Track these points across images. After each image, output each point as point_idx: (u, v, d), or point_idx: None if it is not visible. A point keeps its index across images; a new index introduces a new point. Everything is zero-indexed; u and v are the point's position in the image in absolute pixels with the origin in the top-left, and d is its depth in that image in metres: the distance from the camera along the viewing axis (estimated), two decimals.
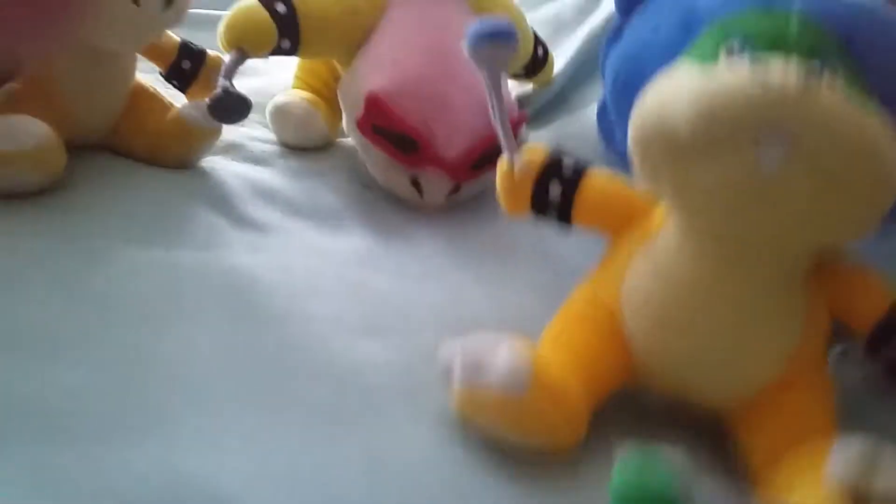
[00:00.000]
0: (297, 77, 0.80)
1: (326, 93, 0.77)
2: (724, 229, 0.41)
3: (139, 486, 0.36)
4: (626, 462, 0.29)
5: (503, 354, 0.42)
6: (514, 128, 0.70)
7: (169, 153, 0.65)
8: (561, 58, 0.92)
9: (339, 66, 0.73)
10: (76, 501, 0.35)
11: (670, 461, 0.28)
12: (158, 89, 0.68)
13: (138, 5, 0.57)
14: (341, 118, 0.73)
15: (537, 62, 0.86)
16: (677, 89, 0.39)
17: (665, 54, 0.45)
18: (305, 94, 0.77)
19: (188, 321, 0.48)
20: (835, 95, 0.37)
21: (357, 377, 0.47)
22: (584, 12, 1.00)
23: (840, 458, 0.37)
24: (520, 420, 0.41)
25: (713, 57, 0.41)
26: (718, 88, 0.37)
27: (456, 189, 0.68)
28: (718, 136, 0.37)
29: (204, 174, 0.66)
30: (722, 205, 0.39)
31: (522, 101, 0.90)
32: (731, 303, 0.42)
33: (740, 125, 0.36)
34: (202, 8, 0.81)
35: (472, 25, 0.45)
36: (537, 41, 0.85)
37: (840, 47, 0.41)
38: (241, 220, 0.62)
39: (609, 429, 0.44)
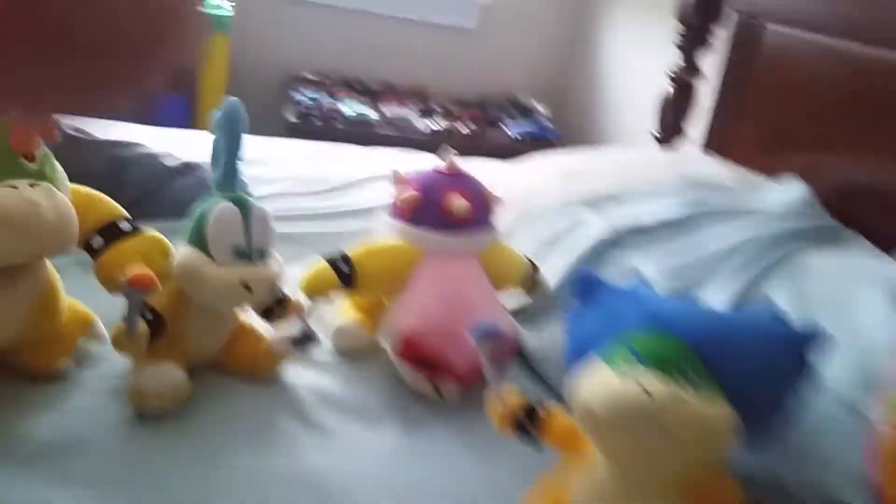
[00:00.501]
0: (349, 299, 1.07)
1: (373, 312, 1.04)
2: (626, 466, 0.66)
3: None
4: None
5: None
6: (509, 352, 0.95)
7: (260, 371, 0.91)
8: (553, 271, 1.18)
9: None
10: None
11: None
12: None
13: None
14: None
15: (531, 282, 1.13)
16: (597, 384, 0.65)
17: (594, 344, 0.71)
18: (358, 317, 1.03)
19: None
20: (691, 407, 0.62)
21: None
22: (573, 230, 1.27)
23: None
24: None
25: (619, 363, 0.66)
26: (621, 393, 0.63)
27: (467, 389, 0.93)
28: (618, 423, 0.63)
29: (283, 387, 0.92)
30: (623, 453, 0.65)
31: (524, 309, 1.16)
32: (628, 500, 0.67)
33: (632, 420, 0.62)
34: None
35: (474, 327, 0.72)
36: (532, 265, 1.12)
37: (696, 357, 0.66)
38: (310, 425, 0.87)
39: None
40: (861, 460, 0.74)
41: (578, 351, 0.74)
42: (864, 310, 0.90)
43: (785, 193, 1.37)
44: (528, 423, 0.74)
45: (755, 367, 0.67)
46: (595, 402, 0.64)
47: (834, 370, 0.79)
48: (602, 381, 0.65)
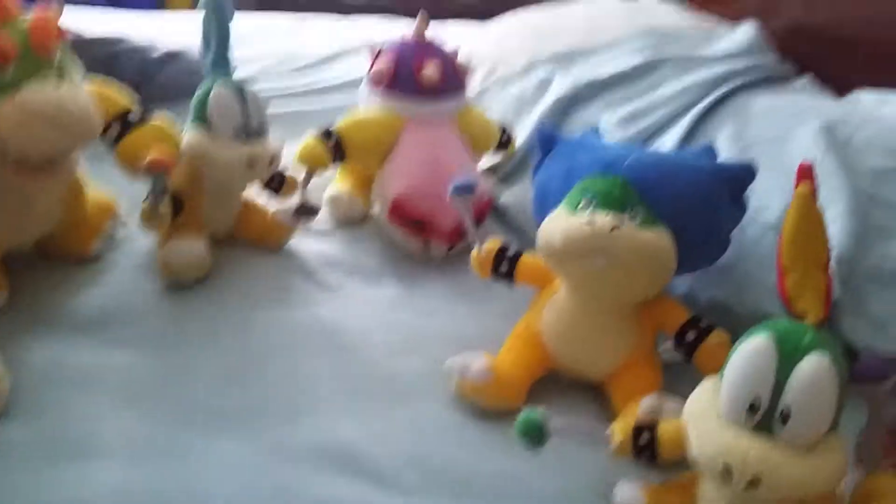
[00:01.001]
0: (340, 170, 1.17)
1: (363, 181, 1.15)
2: (585, 292, 0.80)
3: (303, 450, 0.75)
4: (521, 414, 0.67)
5: (477, 363, 0.80)
6: (485, 209, 1.08)
7: (270, 242, 1.03)
8: (523, 130, 1.28)
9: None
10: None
11: (539, 410, 0.66)
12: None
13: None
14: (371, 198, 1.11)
15: (503, 144, 1.23)
16: (557, 225, 0.77)
17: (556, 192, 0.82)
18: (348, 187, 1.14)
19: (303, 354, 0.87)
20: (631, 232, 0.74)
21: (402, 378, 0.85)
22: (541, 88, 1.36)
23: (645, 402, 0.75)
24: (489, 397, 0.80)
25: (576, 205, 0.78)
26: (572, 229, 0.75)
27: (451, 247, 1.06)
28: (573, 252, 0.75)
29: (291, 254, 1.04)
30: (581, 282, 0.78)
31: (494, 168, 1.27)
32: (593, 327, 0.82)
33: (580, 250, 0.75)
34: None
35: (452, 180, 0.83)
36: (503, 130, 1.22)
37: (639, 193, 0.78)
38: (318, 283, 1.00)
39: (542, 394, 0.82)
40: None
41: (543, 200, 0.86)
42: (797, 143, 1.01)
43: (738, 36, 1.45)
44: (503, 265, 0.87)
45: (691, 199, 0.79)
46: (554, 238, 0.77)
47: (765, 199, 0.91)
48: (560, 221, 0.77)
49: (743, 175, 0.84)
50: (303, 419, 0.78)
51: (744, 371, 0.58)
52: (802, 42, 1.43)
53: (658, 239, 0.76)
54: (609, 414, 0.82)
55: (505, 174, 1.26)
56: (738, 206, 0.85)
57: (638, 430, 0.69)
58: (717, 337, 0.79)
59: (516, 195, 1.20)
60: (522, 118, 1.32)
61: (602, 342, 0.82)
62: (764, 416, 0.58)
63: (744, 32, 1.45)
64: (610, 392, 0.83)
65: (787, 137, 1.04)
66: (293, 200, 1.03)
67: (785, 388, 0.57)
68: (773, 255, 0.90)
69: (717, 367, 0.78)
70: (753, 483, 0.56)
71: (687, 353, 0.81)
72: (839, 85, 1.30)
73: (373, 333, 0.92)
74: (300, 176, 1.04)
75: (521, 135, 1.28)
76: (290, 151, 1.05)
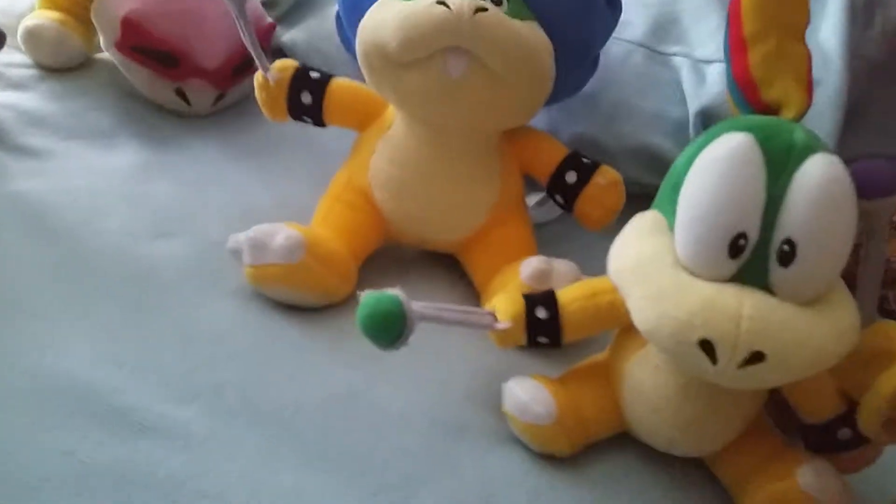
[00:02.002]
0: None
1: (76, 9, 0.79)
2: (432, 120, 0.55)
3: None
4: (365, 299, 0.43)
5: (280, 235, 0.53)
6: (265, 37, 0.78)
7: None
8: None
9: None
10: None
11: (394, 293, 0.42)
12: None
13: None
14: (95, 33, 0.76)
15: None
16: (387, 14, 0.50)
17: None
18: (55, 15, 0.78)
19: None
20: (501, 18, 0.50)
21: (157, 273, 0.56)
22: None
23: (527, 267, 0.53)
24: (300, 283, 0.53)
25: None
26: (414, 15, 0.49)
27: (220, 96, 0.75)
28: (416, 51, 0.49)
29: None
30: (427, 101, 0.53)
31: (270, 2, 0.95)
32: (443, 172, 0.57)
33: (430, 43, 0.49)
34: None
35: None
36: None
37: None
38: (16, 150, 0.66)
39: (378, 278, 0.58)
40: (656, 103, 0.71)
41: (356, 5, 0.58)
42: None
43: None
44: (304, 94, 0.59)
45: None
46: (384, 34, 0.50)
47: (627, 12, 0.73)
48: (392, 9, 0.51)
49: None
50: (14, 342, 0.47)
51: (720, 189, 0.38)
52: None
53: (536, 33, 0.53)
54: (470, 294, 0.60)
55: (282, 12, 0.96)
56: (613, 7, 0.64)
57: (531, 304, 0.47)
58: (604, 175, 0.59)
59: (305, 32, 0.90)
60: None
61: (457, 192, 0.58)
62: (753, 256, 0.38)
63: None
64: (469, 262, 0.60)
65: None
66: None
67: (782, 210, 0.37)
68: (643, 76, 0.74)
69: (605, 216, 0.59)
70: (753, 359, 0.36)
71: (566, 202, 0.60)
72: None
73: (104, 213, 0.61)
74: None
75: None
76: None
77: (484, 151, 0.58)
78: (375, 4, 0.53)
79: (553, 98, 0.62)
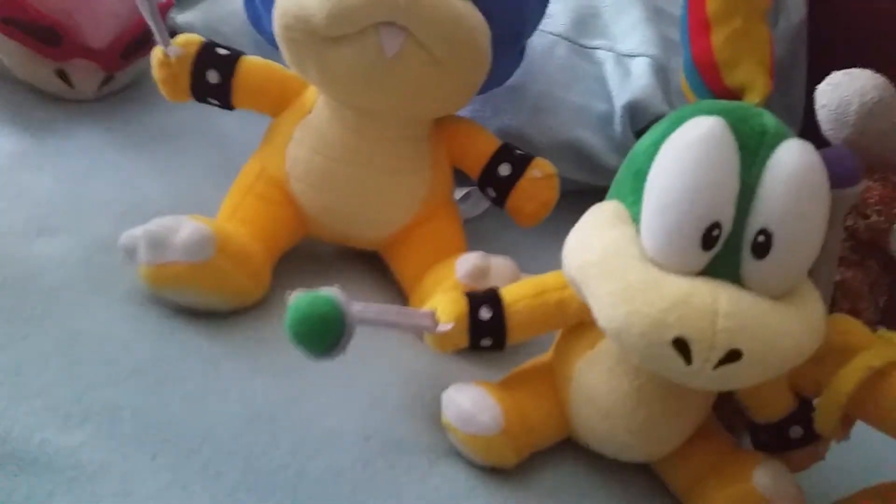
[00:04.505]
0: None
1: None
2: (360, 103, 0.50)
3: None
4: (295, 302, 0.37)
5: (185, 229, 0.46)
6: (162, 13, 0.70)
7: None
8: None
9: None
10: None
11: (329, 293, 0.36)
12: None
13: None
14: None
15: None
16: None
17: None
18: None
19: None
20: None
21: (37, 278, 0.48)
22: None
23: (464, 264, 0.49)
24: (209, 284, 0.47)
25: None
26: None
27: (108, 79, 0.67)
28: (346, 26, 0.44)
29: None
30: (356, 82, 0.47)
31: None
32: (370, 162, 0.52)
33: (363, 15, 0.44)
34: None
35: None
36: None
37: None
38: None
39: (293, 279, 0.52)
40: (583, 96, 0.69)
41: None
42: None
43: None
44: (209, 73, 0.52)
45: None
46: (309, 7, 0.45)
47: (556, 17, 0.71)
48: None
49: None
50: None
51: (693, 175, 0.35)
52: None
53: (475, 14, 0.49)
54: (396, 296, 0.55)
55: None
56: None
57: (475, 304, 0.43)
58: (540, 168, 0.56)
59: (203, 13, 0.83)
60: None
61: (385, 184, 0.53)
62: (725, 247, 0.35)
63: None
64: (396, 261, 0.55)
65: None
66: None
67: (756, 198, 0.35)
68: (566, 69, 0.72)
69: (539, 211, 0.56)
70: (729, 358, 0.33)
71: (499, 195, 0.56)
72: None
73: None
74: None
75: None
76: None
77: (414, 140, 0.53)
78: None
79: (482, 87, 0.58)
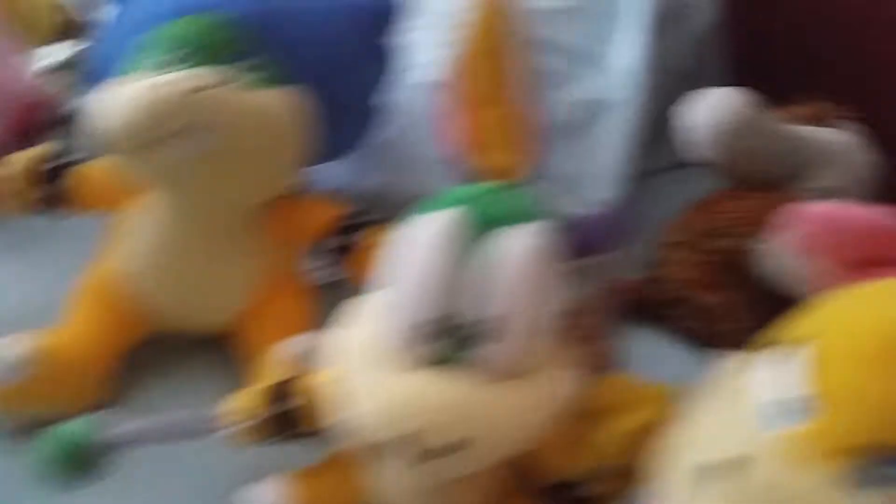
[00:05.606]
0: None
1: None
2: (181, 197, 0.52)
3: None
4: (44, 436, 0.37)
5: (14, 347, 0.47)
6: (35, 115, 0.71)
7: None
8: None
9: None
10: None
11: (84, 419, 0.37)
12: None
13: None
14: None
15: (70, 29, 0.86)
16: (119, 95, 0.47)
17: (120, 54, 0.51)
18: None
19: None
20: (217, 93, 0.46)
21: None
22: None
23: (287, 349, 0.49)
24: (34, 400, 0.48)
25: (159, 65, 0.47)
26: (135, 95, 0.46)
27: None
28: (140, 132, 0.46)
29: None
30: (169, 181, 0.50)
31: (65, 64, 0.89)
32: (200, 250, 0.53)
33: (151, 124, 0.46)
34: None
35: None
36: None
37: (253, 42, 0.50)
38: None
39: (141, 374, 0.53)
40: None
41: (103, 74, 0.53)
42: None
43: None
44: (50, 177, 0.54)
45: (321, 42, 0.54)
46: (113, 119, 0.46)
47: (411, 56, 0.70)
48: (120, 91, 0.47)
49: (385, 11, 0.60)
50: None
51: (416, 272, 0.35)
52: None
53: (274, 100, 0.49)
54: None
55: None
56: (380, 59, 0.62)
57: (277, 395, 0.43)
58: (371, 236, 0.55)
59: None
60: None
61: (216, 271, 0.54)
62: (452, 337, 0.35)
63: None
64: (242, 345, 0.56)
65: None
66: None
67: (480, 287, 0.35)
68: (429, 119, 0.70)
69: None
70: (458, 446, 0.33)
71: (336, 266, 0.57)
72: None
73: None
74: None
75: None
76: None
77: (243, 226, 0.54)
78: (111, 86, 0.49)
79: (332, 155, 0.59)
